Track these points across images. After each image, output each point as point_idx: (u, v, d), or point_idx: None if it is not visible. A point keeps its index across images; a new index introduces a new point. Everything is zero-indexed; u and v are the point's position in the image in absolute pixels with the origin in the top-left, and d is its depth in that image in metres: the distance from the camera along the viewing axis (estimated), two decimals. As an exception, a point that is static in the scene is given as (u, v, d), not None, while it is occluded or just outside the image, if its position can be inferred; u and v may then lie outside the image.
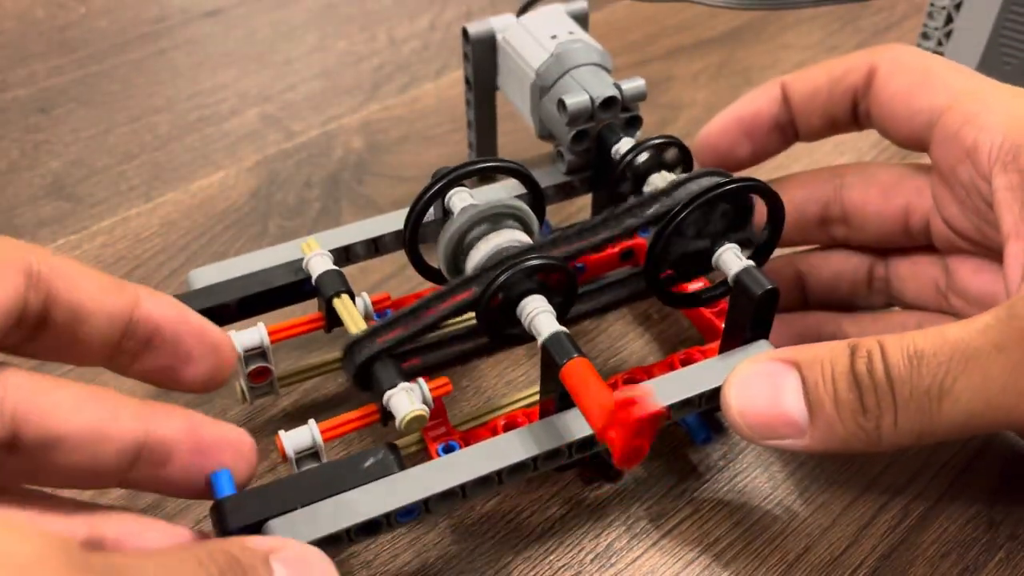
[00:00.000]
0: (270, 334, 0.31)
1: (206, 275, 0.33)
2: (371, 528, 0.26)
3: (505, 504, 0.32)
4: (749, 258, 0.30)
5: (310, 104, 0.52)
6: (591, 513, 0.32)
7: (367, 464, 0.27)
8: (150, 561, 0.21)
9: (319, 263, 0.32)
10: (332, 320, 0.32)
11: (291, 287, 0.33)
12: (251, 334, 0.31)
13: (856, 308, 0.36)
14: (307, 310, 0.33)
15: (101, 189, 0.46)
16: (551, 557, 0.31)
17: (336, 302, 0.31)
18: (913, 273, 0.34)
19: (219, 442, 0.27)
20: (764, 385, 0.27)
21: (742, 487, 0.32)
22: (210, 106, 0.51)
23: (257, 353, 0.31)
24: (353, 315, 0.31)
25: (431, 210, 0.33)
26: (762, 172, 0.33)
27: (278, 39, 0.57)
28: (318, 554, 0.24)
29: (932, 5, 0.49)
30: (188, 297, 0.32)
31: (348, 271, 0.33)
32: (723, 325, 0.31)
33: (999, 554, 0.30)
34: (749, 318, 0.29)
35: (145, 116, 0.51)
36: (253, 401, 0.33)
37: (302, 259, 0.33)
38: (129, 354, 0.27)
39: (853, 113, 0.33)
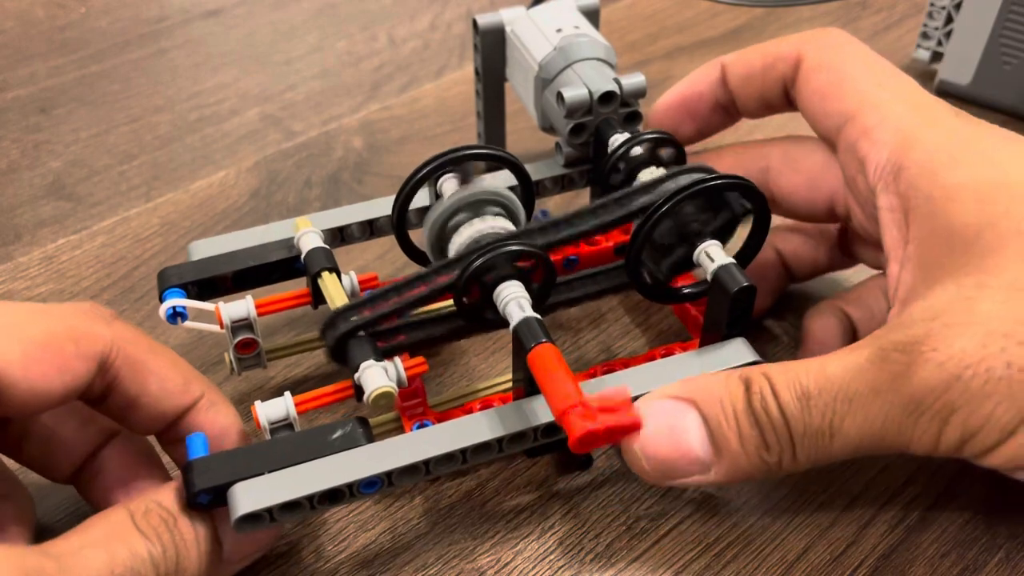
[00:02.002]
0: (257, 307, 0.32)
1: (205, 247, 0.34)
2: (333, 497, 0.27)
3: (505, 504, 0.32)
4: (735, 258, 0.30)
5: (310, 104, 0.52)
6: (592, 512, 0.32)
7: (335, 435, 0.28)
8: (84, 550, 0.24)
9: (309, 240, 0.33)
10: (318, 296, 0.32)
11: (285, 263, 0.33)
12: (238, 306, 0.32)
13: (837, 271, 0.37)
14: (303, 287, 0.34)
15: (101, 189, 0.46)
16: (551, 557, 0.31)
17: (322, 277, 0.32)
18: (867, 246, 0.34)
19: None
20: (664, 425, 0.27)
21: (742, 486, 0.32)
22: (210, 106, 0.51)
23: (244, 325, 0.32)
24: (337, 291, 0.31)
25: (427, 196, 0.33)
26: (697, 144, 0.34)
27: (278, 39, 0.57)
28: None
29: (932, 5, 0.49)
30: (185, 268, 0.33)
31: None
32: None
33: (999, 554, 0.30)
34: (726, 315, 0.30)
35: (145, 116, 0.51)
36: (241, 373, 0.33)
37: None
38: (170, 443, 0.29)
39: (786, 98, 0.33)
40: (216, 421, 0.29)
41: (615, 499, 0.32)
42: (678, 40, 0.56)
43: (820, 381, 0.26)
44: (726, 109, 0.35)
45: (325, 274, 0.32)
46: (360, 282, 0.34)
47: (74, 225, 0.44)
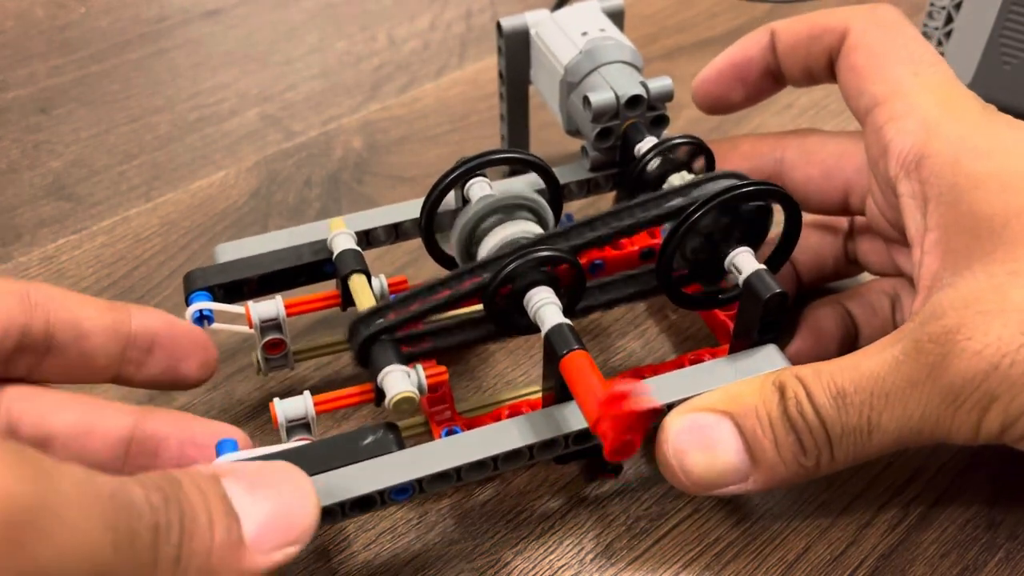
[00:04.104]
0: (286, 308, 0.32)
1: (232, 250, 0.34)
2: (365, 504, 0.27)
3: (506, 503, 0.32)
4: (764, 263, 0.30)
5: (310, 104, 0.52)
6: (592, 512, 0.32)
7: (366, 441, 0.28)
8: (88, 475, 0.19)
9: (341, 242, 0.33)
10: (347, 298, 0.32)
11: (312, 267, 0.33)
12: (267, 306, 0.32)
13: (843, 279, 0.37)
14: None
15: (101, 189, 0.46)
16: (551, 556, 0.31)
17: (351, 280, 0.32)
18: (872, 248, 0.35)
19: (210, 438, 0.28)
20: (701, 439, 0.28)
21: (742, 487, 0.32)
22: (210, 106, 0.51)
23: (272, 325, 0.32)
24: (365, 294, 0.31)
25: (453, 199, 0.33)
26: (702, 130, 0.33)
27: (278, 39, 0.57)
28: (282, 467, 0.24)
29: (932, 5, 0.49)
30: (211, 271, 0.33)
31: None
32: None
33: (999, 554, 0.30)
34: (757, 321, 0.29)
35: (145, 116, 0.51)
36: (268, 373, 0.34)
37: (326, 239, 0.33)
38: (134, 363, 0.29)
39: (830, 70, 0.33)
40: (155, 318, 0.29)
41: (615, 499, 0.32)
42: (678, 40, 0.56)
43: (855, 378, 0.26)
44: (775, 76, 0.35)
45: (354, 276, 0.32)
46: (390, 285, 0.34)
47: (74, 225, 0.44)
